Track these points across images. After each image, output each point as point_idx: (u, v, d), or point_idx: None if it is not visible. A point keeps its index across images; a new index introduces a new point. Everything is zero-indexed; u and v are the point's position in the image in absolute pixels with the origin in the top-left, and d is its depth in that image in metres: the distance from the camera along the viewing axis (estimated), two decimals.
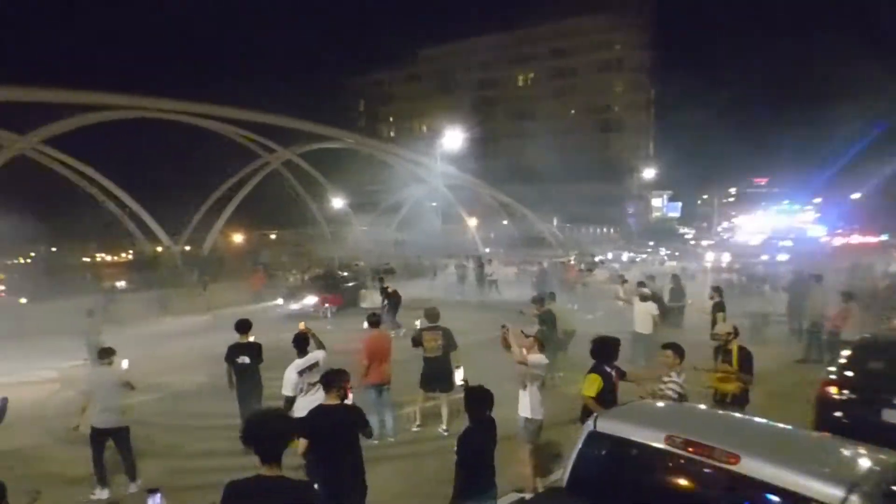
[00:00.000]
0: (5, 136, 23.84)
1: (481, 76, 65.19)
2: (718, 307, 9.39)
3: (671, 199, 68.74)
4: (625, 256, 31.86)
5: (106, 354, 5.99)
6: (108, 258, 41.00)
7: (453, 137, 35.00)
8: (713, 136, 74.52)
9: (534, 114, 64.07)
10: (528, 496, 4.96)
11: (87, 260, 39.19)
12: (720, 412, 4.18)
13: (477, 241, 39.96)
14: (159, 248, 31.28)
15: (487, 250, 34.18)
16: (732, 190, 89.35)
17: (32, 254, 36.19)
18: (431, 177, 37.85)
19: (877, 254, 27.90)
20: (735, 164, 72.43)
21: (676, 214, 68.15)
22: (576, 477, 3.27)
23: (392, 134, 72.03)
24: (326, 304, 16.54)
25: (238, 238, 41.72)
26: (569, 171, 46.93)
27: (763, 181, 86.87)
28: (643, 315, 9.67)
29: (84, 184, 28.83)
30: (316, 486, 3.43)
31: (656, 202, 66.21)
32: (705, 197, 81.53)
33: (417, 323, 7.71)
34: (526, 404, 5.37)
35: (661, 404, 4.18)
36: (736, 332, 6.10)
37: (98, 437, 5.58)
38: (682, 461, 2.88)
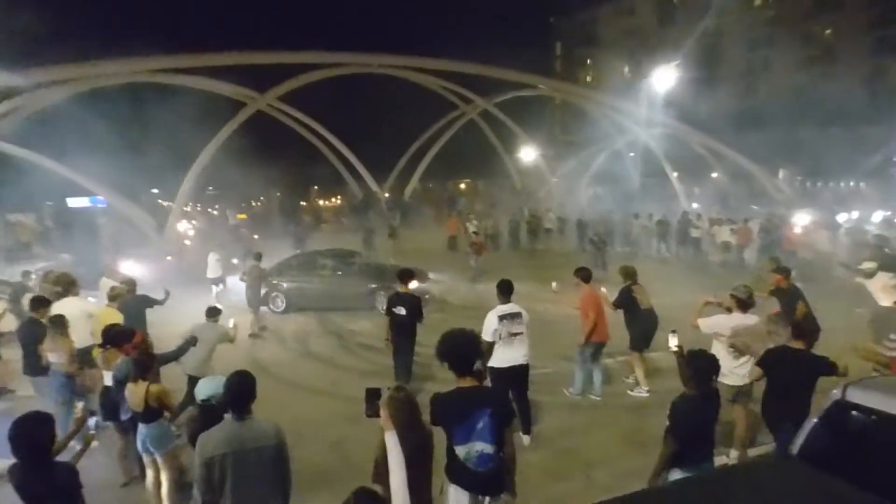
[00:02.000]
0: (248, 94, 28.39)
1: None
2: None
3: None
4: (877, 216, 25.87)
5: (212, 313, 6.63)
6: (322, 202, 47.39)
7: (663, 79, 31.29)
8: None
9: (772, 41, 50.88)
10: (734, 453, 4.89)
11: (305, 204, 45.61)
12: None
13: (680, 195, 36.18)
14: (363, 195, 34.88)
15: (695, 206, 30.78)
16: None
17: (262, 198, 43.58)
18: (632, 124, 34.95)
19: None
20: None
21: None
22: (811, 446, 3.01)
23: (589, 79, 67.85)
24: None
25: (433, 185, 44.37)
26: (816, 112, 38.40)
27: None
28: (880, 291, 7.73)
29: (309, 135, 33.19)
30: None
31: None
32: None
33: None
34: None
35: None
36: None
37: (190, 382, 6.18)
38: None
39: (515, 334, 5.33)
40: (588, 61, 69.72)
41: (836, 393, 3.08)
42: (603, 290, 6.80)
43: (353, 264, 12.80)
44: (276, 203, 41.08)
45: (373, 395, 2.91)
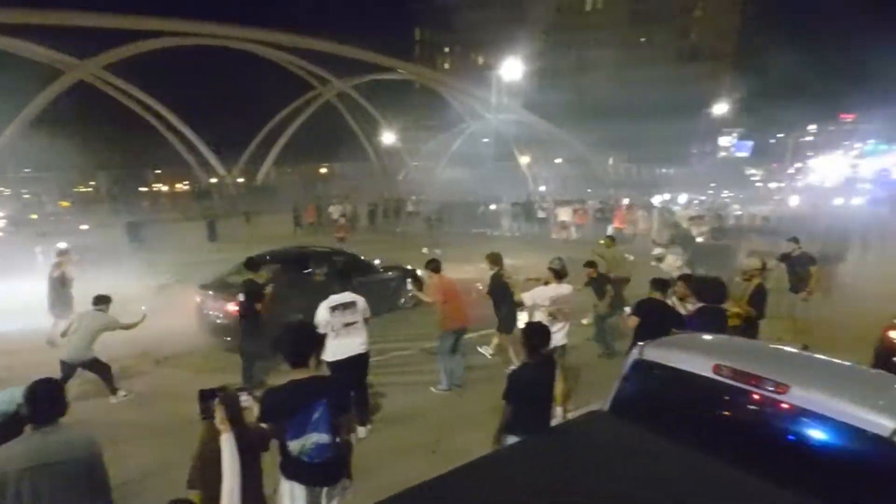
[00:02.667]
0: (67, 61, 24.59)
1: (549, 1, 60.67)
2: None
3: (744, 138, 63.42)
4: (683, 198, 30.46)
5: (100, 301, 6.24)
6: (165, 188, 42.67)
7: (512, 70, 33.30)
8: (801, 67, 65.75)
9: (602, 43, 59.04)
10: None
11: (145, 190, 40.53)
12: (767, 344, 4.06)
13: (529, 179, 39.08)
14: (214, 179, 32.28)
15: (542, 189, 33.46)
16: (812, 127, 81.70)
17: (92, 183, 38.17)
18: (487, 112, 36.78)
19: None
20: (821, 100, 65.48)
21: (745, 154, 63.22)
22: (619, 401, 3.30)
23: (447, 66, 69.66)
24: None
25: (290, 170, 42.50)
26: (636, 107, 43.99)
27: (850, 117, 79.00)
28: (671, 270, 9.08)
29: (146, 114, 29.81)
30: None
31: (724, 140, 61.23)
32: (780, 135, 75.42)
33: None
34: None
35: (709, 335, 4.02)
36: (763, 269, 6.07)
37: (65, 367, 5.98)
38: (730, 390, 2.84)
39: (350, 324, 5.19)
40: (446, 49, 71.66)
41: (635, 352, 3.39)
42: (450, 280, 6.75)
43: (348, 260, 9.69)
44: (108, 188, 36.15)
45: (207, 397, 2.79)
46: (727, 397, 2.85)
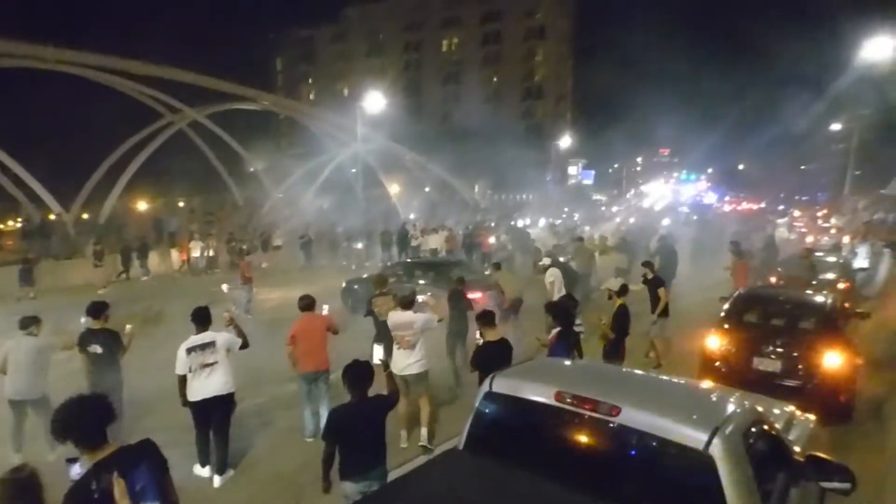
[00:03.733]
0: None
1: (407, 38, 64.32)
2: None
3: (587, 167, 71.74)
4: (542, 222, 32.92)
5: (28, 324, 5.56)
6: None
7: (375, 101, 34.00)
8: (625, 108, 77.64)
9: (459, 79, 64.10)
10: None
11: None
12: (610, 367, 4.42)
13: (398, 207, 39.54)
14: (51, 216, 28.17)
15: (412, 216, 34.03)
16: (639, 159, 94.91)
17: None
18: (352, 142, 36.75)
19: (756, 219, 31.11)
20: (643, 135, 76.90)
21: (590, 182, 71.42)
22: (473, 436, 3.29)
23: (312, 97, 68.99)
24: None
25: (142, 206, 38.39)
26: (493, 138, 47.20)
27: (666, 152, 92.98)
28: (548, 285, 9.65)
29: None
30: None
31: (572, 170, 68.70)
32: (616, 166, 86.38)
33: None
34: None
35: (556, 361, 4.32)
36: (622, 291, 6.65)
37: (14, 407, 5.47)
38: (570, 416, 2.98)
39: (208, 365, 5.07)
40: (310, 79, 71.19)
41: (485, 385, 3.37)
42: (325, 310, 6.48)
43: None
44: None
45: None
46: (570, 423, 2.96)
